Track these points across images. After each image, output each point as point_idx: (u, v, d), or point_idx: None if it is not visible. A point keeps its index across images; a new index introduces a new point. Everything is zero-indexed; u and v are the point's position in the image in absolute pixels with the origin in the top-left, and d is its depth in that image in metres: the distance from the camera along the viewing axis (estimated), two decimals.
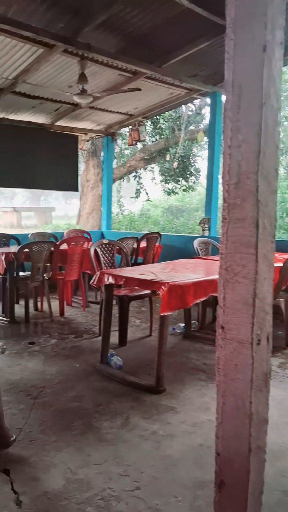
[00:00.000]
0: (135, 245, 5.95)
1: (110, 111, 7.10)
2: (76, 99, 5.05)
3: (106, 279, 3.42)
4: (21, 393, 3.03)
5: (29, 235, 6.25)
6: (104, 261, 4.58)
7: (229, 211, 1.10)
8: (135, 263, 5.74)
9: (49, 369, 3.50)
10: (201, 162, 14.13)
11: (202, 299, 3.27)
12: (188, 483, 2.09)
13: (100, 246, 4.61)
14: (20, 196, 32.48)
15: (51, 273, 5.25)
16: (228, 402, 1.14)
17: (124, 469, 2.20)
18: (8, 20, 4.04)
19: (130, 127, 7.82)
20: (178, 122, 12.10)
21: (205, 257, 4.95)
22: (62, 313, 5.24)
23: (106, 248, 4.68)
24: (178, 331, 4.52)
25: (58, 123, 7.20)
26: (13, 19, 4.10)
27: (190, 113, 12.71)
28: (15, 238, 5.94)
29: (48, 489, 2.02)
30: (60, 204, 31.82)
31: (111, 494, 2.00)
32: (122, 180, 14.23)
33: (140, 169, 13.46)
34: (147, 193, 14.03)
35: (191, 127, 13.27)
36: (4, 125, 6.53)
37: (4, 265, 4.67)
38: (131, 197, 14.54)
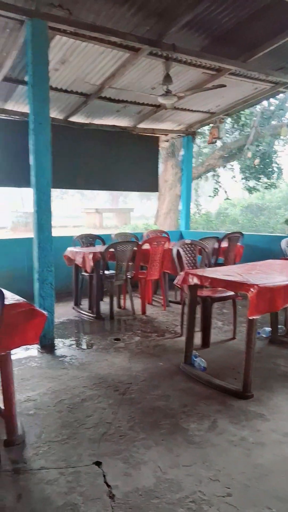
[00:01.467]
0: (216, 245, 5.86)
1: (192, 110, 7.06)
2: (161, 100, 5.09)
3: (190, 280, 3.40)
4: (109, 388, 3.13)
5: (112, 235, 6.45)
6: (186, 261, 4.57)
7: None
8: (216, 264, 5.65)
9: (135, 366, 3.58)
10: (284, 158, 13.50)
11: None
12: (282, 496, 2.00)
13: (183, 246, 4.61)
14: (100, 197, 33.75)
15: (133, 272, 5.37)
16: None
17: (214, 474, 2.16)
18: (97, 27, 4.19)
19: (211, 125, 7.71)
20: (260, 118, 11.68)
21: None
22: (144, 311, 5.33)
23: (188, 248, 4.66)
24: (264, 335, 4.35)
25: (140, 125, 7.33)
26: (101, 26, 4.25)
27: (272, 107, 12.21)
28: (100, 238, 6.16)
29: (139, 486, 2.06)
30: (137, 205, 32.47)
31: (202, 498, 1.98)
32: (199, 179, 14.12)
33: (219, 167, 13.23)
34: (225, 192, 13.74)
35: (273, 122, 12.73)
36: (89, 129, 6.81)
37: (92, 264, 4.87)
38: (209, 196, 14.35)
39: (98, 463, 2.24)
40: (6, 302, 2.16)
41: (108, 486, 2.06)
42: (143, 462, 2.25)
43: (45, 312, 2.38)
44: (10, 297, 2.35)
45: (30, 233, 4.38)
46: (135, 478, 2.12)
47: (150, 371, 3.48)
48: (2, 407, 2.44)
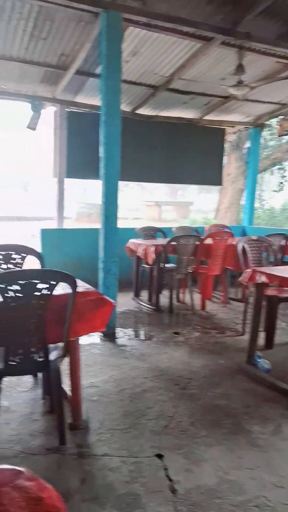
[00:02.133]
0: (283, 242, 5.62)
1: (261, 102, 6.79)
2: (232, 91, 4.95)
3: (258, 278, 3.29)
4: (169, 382, 3.13)
5: (173, 229, 6.43)
6: (251, 258, 4.43)
7: None
8: (282, 262, 5.42)
9: (195, 361, 3.54)
10: None
11: None
12: None
13: (248, 242, 4.47)
14: (159, 190, 33.77)
15: (194, 266, 5.31)
16: None
17: (279, 480, 2.09)
18: (171, 17, 4.14)
19: (281, 116, 7.38)
20: None
21: None
22: (203, 307, 5.26)
23: (254, 245, 4.51)
24: None
25: (207, 117, 7.19)
26: (175, 16, 4.19)
27: None
28: (161, 231, 6.16)
29: (201, 484, 2.04)
30: (195, 198, 32.10)
31: (266, 504, 1.92)
32: (264, 172, 13.61)
33: (286, 160, 12.66)
34: None
35: None
36: (155, 122, 6.79)
37: (153, 257, 4.88)
38: (273, 191, 13.82)
39: (159, 456, 2.24)
40: (78, 289, 2.22)
41: (170, 480, 2.06)
42: (205, 460, 2.22)
43: (113, 301, 2.41)
44: (81, 285, 2.41)
45: (92, 224, 4.48)
46: (197, 475, 2.10)
47: (211, 368, 3.43)
48: (68, 392, 2.53)
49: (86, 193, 28.80)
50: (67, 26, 4.44)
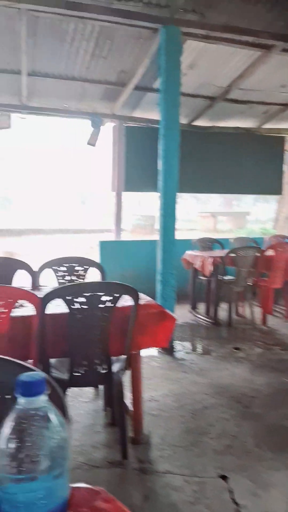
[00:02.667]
0: None
1: None
2: None
3: None
4: (231, 399, 3.02)
5: (230, 240, 6.29)
6: None
7: None
8: None
9: (257, 379, 3.40)
10: None
11: None
12: None
13: None
14: (213, 201, 33.47)
15: (254, 279, 5.14)
16: None
17: None
18: (230, 28, 4.11)
19: None
20: None
21: None
22: (264, 321, 5.07)
23: None
24: None
25: (265, 125, 7.02)
26: (234, 26, 4.15)
27: None
28: (219, 242, 6.05)
29: (270, 510, 1.93)
30: (251, 208, 31.39)
31: None
32: None
33: None
34: None
35: None
36: (212, 133, 6.75)
37: (211, 268, 4.80)
38: None
39: (223, 477, 2.16)
40: (140, 302, 2.21)
41: (236, 504, 1.96)
42: (272, 485, 2.10)
43: (175, 316, 2.39)
44: (143, 297, 2.41)
45: (148, 235, 4.48)
46: (265, 501, 1.99)
47: (275, 386, 3.27)
48: (129, 405, 2.52)
49: (141, 205, 29.25)
50: (126, 44, 4.56)
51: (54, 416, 0.53)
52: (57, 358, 2.32)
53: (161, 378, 3.38)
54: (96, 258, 6.17)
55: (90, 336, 2.16)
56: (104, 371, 2.22)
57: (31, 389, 0.52)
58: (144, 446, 2.42)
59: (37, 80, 5.28)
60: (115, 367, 2.30)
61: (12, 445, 0.50)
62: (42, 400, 0.52)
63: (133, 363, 2.38)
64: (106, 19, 3.89)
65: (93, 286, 2.13)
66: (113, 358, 2.35)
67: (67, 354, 2.22)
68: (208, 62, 4.96)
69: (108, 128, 6.45)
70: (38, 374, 0.53)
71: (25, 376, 0.53)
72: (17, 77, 5.17)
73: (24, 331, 2.12)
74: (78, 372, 2.18)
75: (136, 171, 6.28)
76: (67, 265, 3.28)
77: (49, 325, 2.13)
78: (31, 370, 0.98)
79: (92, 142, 6.21)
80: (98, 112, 6.12)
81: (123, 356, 2.30)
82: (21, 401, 0.52)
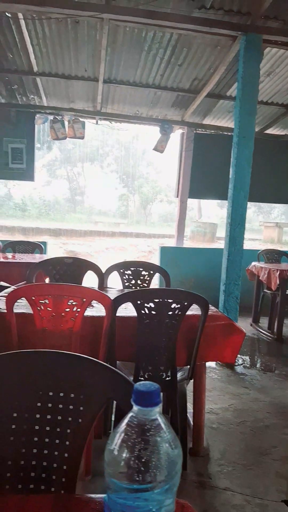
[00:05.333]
0: None
1: None
2: None
3: None
4: None
5: None
6: None
7: None
8: None
9: None
10: None
11: None
12: None
13: None
14: (277, 210, 32.38)
15: None
16: None
17: None
18: None
19: None
20: None
21: None
22: None
23: None
24: None
25: None
26: None
27: None
28: (287, 255, 5.83)
29: None
30: None
31: None
32: None
33: None
34: None
35: None
36: (284, 141, 6.52)
37: (277, 282, 4.63)
38: None
39: (287, 502, 2.05)
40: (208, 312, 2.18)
41: None
42: None
43: (243, 330, 2.32)
44: (210, 308, 2.37)
45: (207, 243, 4.42)
46: None
47: None
48: (189, 416, 2.48)
49: (201, 212, 29.01)
50: (203, 51, 4.55)
51: (167, 429, 0.52)
52: (122, 360, 2.35)
53: (221, 391, 3.30)
54: (155, 263, 6.20)
55: (157, 342, 2.16)
56: (168, 379, 2.21)
57: (147, 400, 0.52)
58: (203, 459, 2.37)
59: (111, 87, 5.43)
60: (179, 376, 2.28)
61: (128, 454, 0.50)
62: (156, 411, 0.52)
63: (197, 374, 2.34)
64: (186, 27, 3.91)
65: (163, 292, 2.13)
66: (177, 367, 2.33)
67: (133, 358, 2.23)
68: (286, 69, 4.81)
69: (176, 135, 6.47)
70: (153, 384, 0.53)
71: (141, 386, 0.53)
72: (93, 84, 5.36)
73: (94, 330, 2.17)
74: (143, 377, 2.19)
75: (202, 178, 6.24)
76: (133, 268, 3.32)
77: (117, 327, 2.16)
78: (120, 375, 0.99)
79: (159, 149, 6.26)
80: (168, 119, 6.17)
81: (187, 366, 2.28)
82: (136, 409, 0.53)
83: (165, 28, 4.06)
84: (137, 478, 0.49)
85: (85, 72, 5.15)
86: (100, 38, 4.33)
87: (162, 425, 0.53)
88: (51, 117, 5.95)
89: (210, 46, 4.43)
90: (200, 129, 6.31)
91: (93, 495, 0.75)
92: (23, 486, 0.99)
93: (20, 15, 4.07)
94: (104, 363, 1.01)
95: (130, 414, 0.53)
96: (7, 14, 4.07)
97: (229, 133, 5.86)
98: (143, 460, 0.50)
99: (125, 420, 0.53)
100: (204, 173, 6.25)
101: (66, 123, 5.93)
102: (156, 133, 6.20)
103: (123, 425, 0.53)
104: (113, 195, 30.71)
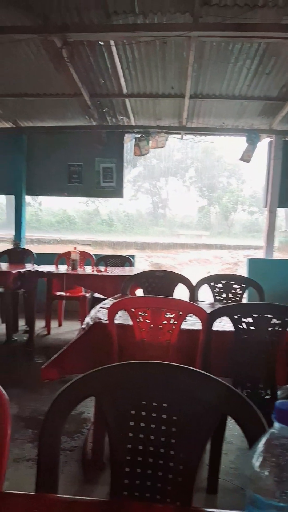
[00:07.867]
0: None
1: None
2: None
3: None
4: None
5: None
6: None
7: None
8: None
9: None
10: None
11: None
12: None
13: None
14: None
15: None
16: None
17: None
18: None
19: None
20: None
21: None
22: None
23: None
24: None
25: None
26: None
27: None
28: None
29: None
30: None
31: None
32: None
33: None
34: None
35: None
36: None
37: None
38: None
39: None
40: None
41: None
42: None
43: None
44: None
45: None
46: None
47: None
48: None
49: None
50: None
51: None
52: (216, 375, 2.32)
53: None
54: (242, 275, 6.04)
55: (255, 359, 2.10)
56: (267, 397, 2.13)
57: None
58: None
59: (197, 101, 5.49)
60: (279, 395, 2.19)
61: (274, 471, 0.50)
62: None
63: None
64: (275, 36, 3.83)
65: (262, 307, 2.08)
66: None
67: (228, 373, 2.20)
68: None
69: (263, 144, 6.31)
70: None
71: (283, 404, 0.53)
72: (179, 101, 5.46)
73: (190, 344, 2.18)
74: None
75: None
76: (224, 282, 3.28)
77: (212, 342, 2.14)
78: (235, 391, 0.99)
79: (246, 159, 6.14)
80: (255, 128, 6.04)
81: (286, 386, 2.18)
82: (277, 426, 0.53)
83: (253, 39, 4.02)
84: (285, 497, 0.49)
85: (171, 90, 5.28)
86: (187, 55, 4.42)
87: None
88: (137, 135, 6.18)
89: None
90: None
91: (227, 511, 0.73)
92: (139, 494, 1.02)
93: (112, 42, 4.32)
94: (217, 378, 1.01)
95: (271, 431, 0.53)
96: (99, 42, 4.36)
97: None
98: None
99: (266, 437, 0.53)
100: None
101: (150, 141, 6.11)
102: (242, 143, 6.12)
103: (264, 441, 0.53)
104: (194, 207, 30.69)
